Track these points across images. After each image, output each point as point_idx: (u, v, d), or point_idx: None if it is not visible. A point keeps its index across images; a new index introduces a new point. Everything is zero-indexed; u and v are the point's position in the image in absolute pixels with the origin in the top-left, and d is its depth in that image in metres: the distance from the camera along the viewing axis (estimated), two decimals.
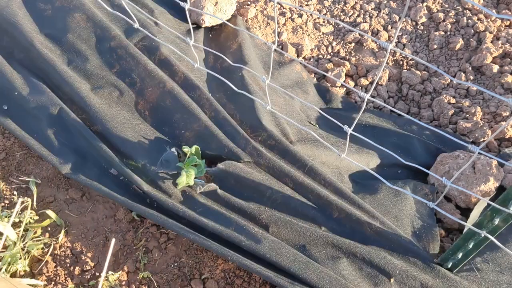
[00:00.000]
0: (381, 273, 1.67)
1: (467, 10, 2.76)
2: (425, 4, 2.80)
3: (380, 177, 1.38)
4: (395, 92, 2.49)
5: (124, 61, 2.14)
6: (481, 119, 2.26)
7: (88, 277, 1.69)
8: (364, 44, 2.63)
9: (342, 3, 2.83)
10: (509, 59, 2.52)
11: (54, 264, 1.70)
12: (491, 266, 1.73)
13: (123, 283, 1.68)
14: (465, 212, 1.94)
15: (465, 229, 1.56)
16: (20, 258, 1.65)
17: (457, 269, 1.68)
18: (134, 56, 2.12)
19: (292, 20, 2.70)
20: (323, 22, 2.75)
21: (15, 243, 1.67)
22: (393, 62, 2.61)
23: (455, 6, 2.81)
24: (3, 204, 1.82)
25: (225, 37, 2.49)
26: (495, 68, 2.46)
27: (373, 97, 2.44)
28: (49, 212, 1.78)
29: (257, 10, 2.70)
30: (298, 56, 2.57)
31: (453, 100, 2.36)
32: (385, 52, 2.62)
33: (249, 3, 2.73)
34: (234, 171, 1.86)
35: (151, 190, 1.80)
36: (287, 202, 1.82)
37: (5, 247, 1.68)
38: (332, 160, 2.06)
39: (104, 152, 1.87)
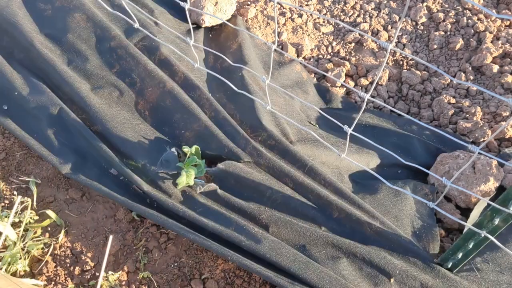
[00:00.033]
0: (381, 273, 1.67)
1: (467, 10, 2.76)
2: (425, 4, 2.80)
3: (380, 177, 1.38)
4: (395, 92, 2.49)
5: (124, 61, 2.14)
6: (481, 119, 2.26)
7: (88, 277, 1.69)
8: (364, 44, 2.63)
9: (342, 3, 2.83)
10: (509, 59, 2.52)
11: (54, 264, 1.70)
12: (491, 266, 1.73)
13: (123, 283, 1.68)
14: (465, 212, 1.94)
15: (465, 229, 1.56)
16: (20, 258, 1.65)
17: (457, 269, 1.68)
18: (134, 56, 2.12)
19: (292, 20, 2.70)
20: (323, 22, 2.75)
21: (15, 243, 1.67)
22: (393, 62, 2.61)
23: (455, 6, 2.81)
24: (3, 204, 1.82)
25: (225, 37, 2.49)
26: (495, 68, 2.46)
27: (373, 97, 2.44)
28: (49, 212, 1.78)
29: (257, 10, 2.70)
30: (298, 56, 2.57)
31: (453, 100, 2.36)
32: (385, 52, 2.62)
33: (249, 3, 2.73)
34: (234, 171, 1.86)
35: (151, 190, 1.80)
36: (287, 202, 1.82)
37: (5, 247, 1.68)
38: (332, 160, 2.06)
39: (104, 152, 1.87)
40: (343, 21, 2.74)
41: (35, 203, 1.83)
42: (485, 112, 2.30)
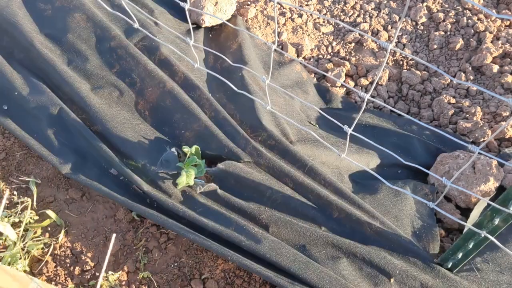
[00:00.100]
0: (381, 273, 1.67)
1: (467, 10, 2.76)
2: (425, 4, 2.80)
3: (380, 177, 1.38)
4: (395, 92, 2.49)
5: (124, 61, 2.14)
6: (481, 119, 2.26)
7: (88, 277, 1.69)
8: (364, 44, 2.63)
9: (342, 3, 2.83)
10: (509, 59, 2.52)
11: (54, 264, 1.70)
12: (491, 266, 1.73)
13: (123, 283, 1.68)
14: (465, 212, 1.94)
15: (465, 229, 1.56)
16: (20, 258, 1.65)
17: (457, 269, 1.68)
18: (134, 56, 2.12)
19: (292, 20, 2.70)
20: (323, 22, 2.75)
21: (15, 243, 1.67)
22: (393, 62, 2.61)
23: (455, 6, 2.81)
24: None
25: (225, 37, 2.49)
26: (495, 68, 2.46)
27: (373, 97, 2.44)
28: (49, 212, 1.78)
29: (257, 10, 2.70)
30: (298, 56, 2.57)
31: (453, 100, 2.36)
32: (385, 52, 2.62)
33: (249, 3, 2.73)
34: (234, 171, 1.86)
35: (151, 190, 1.80)
36: (287, 202, 1.82)
37: (5, 247, 1.68)
38: (332, 160, 2.06)
39: (104, 152, 1.87)
40: (343, 21, 2.74)
41: (35, 203, 1.83)
42: (485, 112, 2.30)
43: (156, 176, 1.84)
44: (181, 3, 1.36)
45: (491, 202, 1.22)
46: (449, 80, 2.47)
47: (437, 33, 2.66)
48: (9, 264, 1.63)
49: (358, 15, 2.77)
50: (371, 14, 2.76)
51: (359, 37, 2.65)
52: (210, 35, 2.52)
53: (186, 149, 1.87)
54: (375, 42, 2.64)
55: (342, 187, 1.86)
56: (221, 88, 2.19)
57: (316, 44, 2.63)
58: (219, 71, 2.29)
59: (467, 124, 2.21)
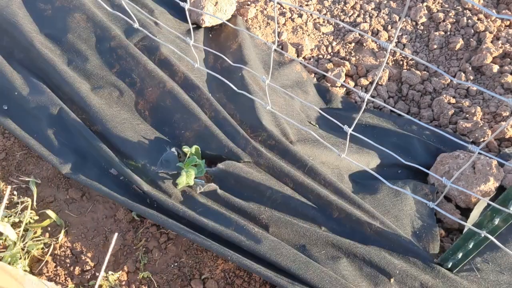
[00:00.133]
0: (381, 273, 1.67)
1: (467, 10, 2.76)
2: (425, 4, 2.80)
3: (380, 177, 1.38)
4: (395, 92, 2.49)
5: (124, 61, 2.14)
6: (481, 119, 2.26)
7: (88, 277, 1.69)
8: (364, 44, 2.63)
9: (342, 3, 2.83)
10: (509, 59, 2.52)
11: (54, 264, 1.70)
12: (491, 266, 1.73)
13: (123, 283, 1.68)
14: (465, 212, 1.94)
15: (465, 229, 1.56)
16: (20, 258, 1.65)
17: (457, 269, 1.68)
18: (134, 56, 2.12)
19: (292, 20, 2.70)
20: (323, 22, 2.75)
21: (15, 243, 1.67)
22: (393, 62, 2.61)
23: (455, 6, 2.81)
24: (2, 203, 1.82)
25: (225, 37, 2.49)
26: (495, 68, 2.46)
27: (373, 97, 2.44)
28: (49, 212, 1.78)
29: (257, 10, 2.70)
30: (298, 56, 2.57)
31: (453, 100, 2.36)
32: (385, 52, 2.62)
33: (249, 3, 2.73)
34: (234, 171, 1.86)
35: (151, 190, 1.80)
36: (287, 202, 1.82)
37: (5, 247, 1.68)
38: (332, 160, 2.06)
39: (104, 152, 1.87)
40: (343, 21, 2.74)
41: (35, 203, 1.83)
42: (485, 112, 2.30)
43: (156, 176, 1.84)
44: (181, 3, 1.36)
45: (491, 202, 1.22)
46: (449, 80, 2.48)
47: (437, 33, 2.66)
48: (9, 264, 1.63)
49: (358, 15, 2.77)
50: (371, 14, 2.76)
51: (359, 37, 2.65)
52: (210, 35, 2.52)
53: (186, 149, 1.87)
54: (375, 42, 2.64)
55: (342, 187, 1.86)
56: (221, 88, 2.19)
57: (316, 44, 2.63)
58: (219, 71, 2.29)
59: (467, 124, 2.21)
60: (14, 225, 1.74)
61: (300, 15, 2.72)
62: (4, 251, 1.65)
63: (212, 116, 2.02)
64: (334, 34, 2.69)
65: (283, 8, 2.76)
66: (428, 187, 2.02)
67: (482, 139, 2.16)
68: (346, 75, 2.51)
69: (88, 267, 1.70)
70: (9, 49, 2.20)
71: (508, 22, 2.74)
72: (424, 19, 2.73)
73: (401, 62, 2.59)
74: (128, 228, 1.81)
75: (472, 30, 2.65)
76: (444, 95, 2.37)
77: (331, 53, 2.62)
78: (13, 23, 2.18)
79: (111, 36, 2.18)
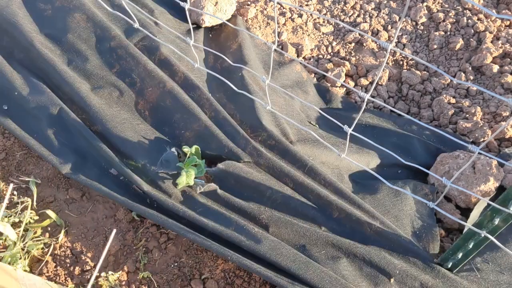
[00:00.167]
0: (381, 273, 1.67)
1: (467, 10, 2.76)
2: (425, 4, 2.80)
3: (380, 177, 1.38)
4: (395, 92, 2.49)
5: (124, 61, 2.14)
6: (481, 119, 2.26)
7: (88, 277, 1.69)
8: (364, 44, 2.63)
9: (342, 3, 2.83)
10: (509, 59, 2.52)
11: (54, 264, 1.70)
12: (491, 266, 1.73)
13: (123, 283, 1.68)
14: (465, 212, 1.94)
15: (465, 229, 1.56)
16: (20, 258, 1.65)
17: (457, 269, 1.68)
18: (134, 56, 2.12)
19: (292, 20, 2.70)
20: (323, 22, 2.75)
21: (15, 243, 1.67)
22: (393, 62, 2.61)
23: (455, 6, 2.81)
24: (2, 204, 1.82)
25: (225, 37, 2.49)
26: (495, 68, 2.46)
27: (373, 97, 2.44)
28: (49, 212, 1.78)
29: (257, 10, 2.70)
30: (298, 56, 2.57)
31: (453, 100, 2.36)
32: (385, 52, 2.62)
33: (249, 3, 2.73)
34: (234, 171, 1.86)
35: (151, 190, 1.80)
36: (287, 202, 1.82)
37: (5, 247, 1.68)
38: (332, 160, 2.06)
39: (104, 152, 1.87)
40: (343, 21, 2.74)
41: (35, 203, 1.83)
42: (485, 112, 2.30)
43: (156, 176, 1.84)
44: (181, 3, 1.36)
45: (491, 202, 1.22)
46: (449, 80, 2.48)
47: (437, 33, 2.66)
48: (9, 264, 1.63)
49: (358, 15, 2.77)
50: (371, 14, 2.76)
51: (359, 37, 2.65)
52: (210, 35, 2.52)
53: (186, 149, 1.87)
54: (375, 42, 2.64)
55: (342, 187, 1.86)
56: (221, 88, 2.19)
57: (316, 44, 2.63)
58: (219, 71, 2.29)
59: (467, 124, 2.21)
60: (14, 225, 1.75)
61: (300, 15, 2.72)
62: (4, 251, 1.65)
63: (212, 116, 2.02)
64: (334, 34, 2.69)
65: (283, 8, 2.76)
66: (428, 187, 2.02)
67: (482, 139, 2.16)
68: (346, 75, 2.51)
69: (88, 267, 1.70)
70: (9, 49, 2.20)
71: (508, 22, 2.74)
72: (424, 19, 2.73)
73: (401, 62, 2.59)
74: (128, 228, 1.81)
75: (472, 30, 2.65)
76: (444, 95, 2.37)
77: (331, 53, 2.62)
78: (13, 23, 2.18)
79: (111, 36, 2.18)
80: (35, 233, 1.75)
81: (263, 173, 1.91)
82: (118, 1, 2.34)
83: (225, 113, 2.02)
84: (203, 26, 2.48)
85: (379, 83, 2.48)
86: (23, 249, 1.68)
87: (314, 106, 1.44)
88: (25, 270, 1.66)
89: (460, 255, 1.60)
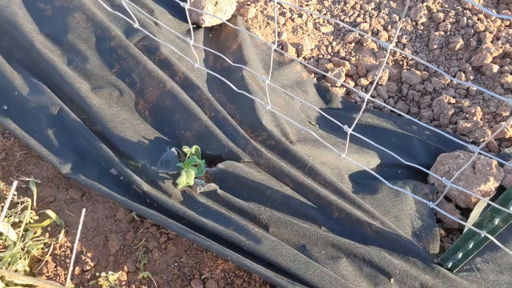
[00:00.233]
0: (381, 273, 1.67)
1: (467, 10, 2.76)
2: (425, 4, 2.80)
3: (380, 177, 1.38)
4: (395, 92, 2.49)
5: (124, 61, 2.14)
6: (481, 119, 2.26)
7: (88, 277, 1.69)
8: (364, 44, 2.63)
9: (342, 3, 2.83)
10: (509, 59, 2.52)
11: (54, 264, 1.70)
12: (491, 266, 1.73)
13: (123, 283, 1.68)
14: (465, 212, 1.94)
15: (465, 229, 1.56)
16: (20, 258, 1.65)
17: (457, 269, 1.68)
18: (134, 56, 2.12)
19: (292, 20, 2.70)
20: (323, 22, 2.75)
21: (15, 243, 1.67)
22: (393, 62, 2.61)
23: (455, 6, 2.81)
24: (3, 204, 1.82)
25: (225, 37, 2.49)
26: (495, 68, 2.46)
27: (373, 97, 2.44)
28: (49, 212, 1.78)
29: (257, 10, 2.70)
30: (298, 56, 2.57)
31: (453, 100, 2.36)
32: (385, 52, 2.62)
33: (249, 3, 2.73)
34: (234, 171, 1.86)
35: (151, 190, 1.80)
36: (287, 202, 1.82)
37: (5, 247, 1.68)
38: (332, 160, 2.06)
39: (104, 152, 1.87)
40: (343, 21, 2.74)
41: (35, 203, 1.83)
42: (485, 112, 2.30)
43: (156, 176, 1.84)
44: (181, 3, 1.36)
45: (491, 202, 1.22)
46: (449, 80, 2.48)
47: (437, 33, 2.66)
48: (9, 264, 1.63)
49: (358, 15, 2.77)
50: (371, 14, 2.76)
51: (359, 37, 2.65)
52: (210, 35, 2.52)
53: (186, 149, 1.87)
54: (375, 42, 2.64)
55: (342, 187, 1.86)
56: (221, 88, 2.19)
57: (316, 44, 2.63)
58: (219, 71, 2.29)
59: (467, 124, 2.21)
60: (14, 225, 1.75)
61: (300, 15, 2.72)
62: (4, 251, 1.65)
63: (212, 116, 2.02)
64: (334, 34, 2.69)
65: (283, 8, 2.76)
66: (428, 187, 2.02)
67: (482, 139, 2.16)
68: (346, 75, 2.51)
69: (88, 267, 1.70)
70: (9, 49, 2.20)
71: (508, 22, 2.74)
72: (424, 19, 2.73)
73: (401, 62, 2.59)
74: (128, 228, 1.81)
75: (472, 30, 2.65)
76: (444, 95, 2.37)
77: (331, 53, 2.62)
78: (13, 23, 2.18)
79: (111, 36, 2.18)
80: (35, 233, 1.75)
81: (263, 173, 1.91)
82: (118, 1, 2.34)
83: (225, 113, 2.02)
84: (203, 26, 2.48)
85: (379, 83, 2.48)
86: (23, 249, 1.68)
87: (314, 106, 1.44)
88: (25, 270, 1.66)
89: (460, 255, 1.60)
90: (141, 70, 2.10)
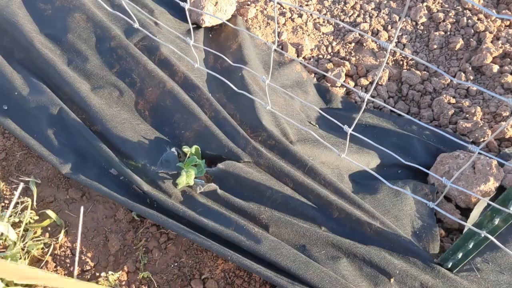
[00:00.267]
0: (381, 273, 1.67)
1: (467, 10, 2.76)
2: (425, 4, 2.80)
3: (380, 177, 1.38)
4: (395, 92, 2.49)
5: (124, 61, 2.14)
6: (481, 119, 2.26)
7: (88, 277, 1.69)
8: (364, 44, 2.63)
9: (342, 3, 2.83)
10: (509, 59, 2.52)
11: (54, 264, 1.70)
12: (491, 266, 1.73)
13: (123, 283, 1.68)
14: (465, 212, 1.94)
15: (465, 229, 1.56)
16: (20, 258, 1.65)
17: (457, 269, 1.68)
18: (134, 56, 2.12)
19: (292, 20, 2.70)
20: (323, 22, 2.75)
21: (15, 243, 1.67)
22: (393, 62, 2.61)
23: (455, 6, 2.81)
24: (3, 204, 1.82)
25: (225, 37, 2.49)
26: (495, 68, 2.46)
27: (373, 97, 2.44)
28: (49, 212, 1.78)
29: (257, 10, 2.70)
30: (298, 56, 2.57)
31: (453, 100, 2.36)
32: (385, 52, 2.62)
33: (249, 3, 2.73)
34: (234, 171, 1.86)
35: (151, 190, 1.80)
36: (287, 202, 1.82)
37: (5, 247, 1.68)
38: (332, 160, 2.06)
39: (104, 152, 1.87)
40: (343, 21, 2.74)
41: (35, 203, 1.83)
42: (485, 112, 2.30)
43: (156, 176, 1.84)
44: (181, 3, 1.36)
45: (491, 202, 1.22)
46: (449, 80, 2.48)
47: (437, 33, 2.66)
48: None
49: (358, 15, 2.77)
50: (371, 14, 2.76)
51: (359, 37, 2.65)
52: (210, 35, 2.52)
53: (186, 149, 1.87)
54: (375, 42, 2.64)
55: (342, 187, 1.86)
56: (221, 88, 2.19)
57: (316, 44, 2.63)
58: (219, 71, 2.29)
59: (467, 124, 2.21)
60: (14, 225, 1.75)
61: (300, 15, 2.72)
62: (4, 251, 1.65)
63: (212, 116, 2.02)
64: (334, 34, 2.69)
65: (283, 8, 2.76)
66: (428, 187, 2.02)
67: (482, 139, 2.16)
68: (346, 75, 2.51)
69: (88, 267, 1.70)
70: (9, 49, 2.20)
71: (508, 22, 2.74)
72: (424, 19, 2.73)
73: (401, 62, 2.59)
74: (128, 228, 1.81)
75: (472, 30, 2.65)
76: (444, 95, 2.37)
77: (331, 53, 2.62)
78: (13, 23, 2.18)
79: (111, 36, 2.18)
80: (35, 233, 1.75)
81: (263, 173, 1.91)
82: (118, 1, 2.34)
83: (225, 113, 2.02)
84: (203, 26, 2.48)
85: (379, 83, 2.48)
86: (23, 249, 1.68)
87: (314, 106, 1.44)
88: None
89: (460, 255, 1.60)
90: (141, 70, 2.10)
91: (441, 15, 2.71)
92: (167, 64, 2.14)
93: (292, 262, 1.62)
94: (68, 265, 1.70)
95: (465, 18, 2.69)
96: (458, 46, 2.59)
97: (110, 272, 1.68)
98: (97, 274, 1.69)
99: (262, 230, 1.73)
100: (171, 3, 2.53)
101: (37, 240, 1.73)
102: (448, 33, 2.67)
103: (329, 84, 2.46)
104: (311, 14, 2.75)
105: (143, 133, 1.98)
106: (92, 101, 1.99)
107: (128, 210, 1.84)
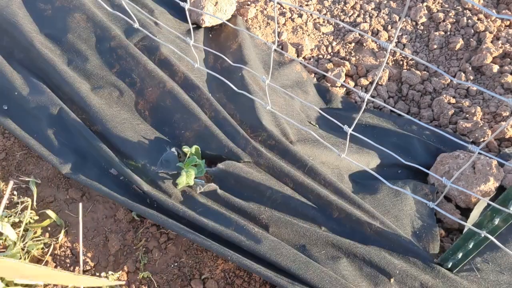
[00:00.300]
0: (381, 273, 1.67)
1: (467, 10, 2.76)
2: (425, 4, 2.80)
3: (380, 177, 1.38)
4: (395, 92, 2.49)
5: (124, 61, 2.14)
6: (481, 119, 2.26)
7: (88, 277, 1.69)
8: (364, 44, 2.63)
9: (342, 3, 2.83)
10: (509, 59, 2.52)
11: (54, 264, 1.70)
12: (491, 266, 1.73)
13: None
14: (465, 212, 1.94)
15: (465, 229, 1.56)
16: (20, 258, 1.65)
17: (457, 269, 1.68)
18: (134, 56, 2.12)
19: (292, 20, 2.70)
20: (323, 22, 2.75)
21: (15, 243, 1.67)
22: (393, 62, 2.61)
23: (455, 6, 2.81)
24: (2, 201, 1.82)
25: (225, 37, 2.49)
26: (495, 68, 2.46)
27: (373, 97, 2.44)
28: (49, 212, 1.78)
29: (257, 10, 2.70)
30: (298, 56, 2.57)
31: (453, 100, 2.36)
32: (385, 52, 2.62)
33: (249, 3, 2.73)
34: (234, 171, 1.86)
35: (151, 190, 1.80)
36: (287, 202, 1.82)
37: (5, 247, 1.68)
38: (332, 160, 2.06)
39: (104, 152, 1.87)
40: (343, 21, 2.74)
41: (35, 203, 1.83)
42: (485, 112, 2.30)
43: (156, 176, 1.84)
44: (181, 3, 1.36)
45: (491, 202, 1.22)
46: (449, 80, 2.48)
47: (437, 33, 2.66)
48: None
49: (358, 15, 2.77)
50: (371, 14, 2.76)
51: (359, 37, 2.65)
52: (210, 35, 2.52)
53: (186, 149, 1.87)
54: (375, 42, 2.64)
55: (342, 187, 1.86)
56: (221, 88, 2.19)
57: (316, 44, 2.63)
58: (219, 71, 2.29)
59: (467, 124, 2.21)
60: (14, 225, 1.75)
61: (300, 15, 2.72)
62: (4, 251, 1.65)
63: (212, 116, 2.02)
64: (334, 34, 2.69)
65: (283, 8, 2.76)
66: (428, 187, 2.02)
67: (482, 139, 2.16)
68: (346, 75, 2.51)
69: (88, 267, 1.70)
70: (9, 49, 2.20)
71: (508, 22, 2.74)
72: (424, 19, 2.73)
73: (401, 62, 2.59)
74: (128, 228, 1.81)
75: (472, 30, 2.66)
76: (444, 95, 2.37)
77: (331, 53, 2.62)
78: (13, 23, 2.18)
79: (111, 36, 2.18)
80: (35, 233, 1.75)
81: (263, 173, 1.91)
82: (118, 1, 2.34)
83: (225, 113, 2.02)
84: (203, 26, 2.48)
85: (379, 83, 2.48)
86: (23, 249, 1.68)
87: (314, 106, 1.44)
88: None
89: (460, 255, 1.60)
90: (141, 70, 2.10)
91: (441, 15, 2.71)
92: (167, 64, 2.14)
93: (292, 262, 1.62)
94: (68, 265, 1.70)
95: (465, 18, 2.69)
96: (458, 46, 2.59)
97: (110, 272, 1.68)
98: (97, 274, 1.69)
99: (262, 230, 1.73)
100: (171, 3, 2.53)
101: (37, 240, 1.73)
102: (448, 33, 2.67)
103: (329, 84, 2.46)
104: (311, 14, 2.75)
105: (143, 133, 1.98)
106: (92, 101, 1.99)
107: (128, 210, 1.84)
